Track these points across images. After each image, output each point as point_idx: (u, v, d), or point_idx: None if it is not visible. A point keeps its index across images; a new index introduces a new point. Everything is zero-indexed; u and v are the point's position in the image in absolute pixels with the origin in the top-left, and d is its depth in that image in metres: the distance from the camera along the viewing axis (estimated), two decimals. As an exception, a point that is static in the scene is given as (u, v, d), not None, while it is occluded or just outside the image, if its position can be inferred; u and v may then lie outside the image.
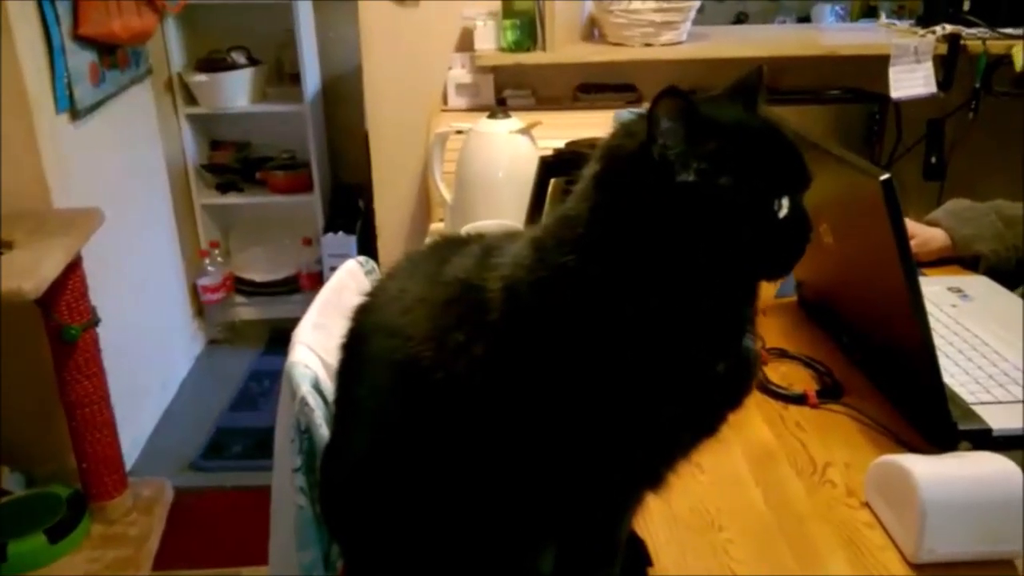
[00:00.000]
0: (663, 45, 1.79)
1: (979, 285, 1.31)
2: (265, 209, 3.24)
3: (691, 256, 0.58)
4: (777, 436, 0.97)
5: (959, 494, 0.76)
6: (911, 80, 1.68)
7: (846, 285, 1.13)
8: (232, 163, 3.20)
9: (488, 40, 1.83)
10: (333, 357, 1.15)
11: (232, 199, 3.15)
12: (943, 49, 1.71)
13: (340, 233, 3.12)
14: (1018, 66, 1.69)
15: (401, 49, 1.98)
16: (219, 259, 3.16)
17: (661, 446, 0.62)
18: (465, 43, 1.95)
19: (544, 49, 1.78)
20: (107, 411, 2.04)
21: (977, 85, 1.75)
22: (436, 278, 0.66)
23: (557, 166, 1.42)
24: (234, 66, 2.95)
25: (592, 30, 1.96)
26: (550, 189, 1.42)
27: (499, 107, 1.56)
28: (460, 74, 1.90)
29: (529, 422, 0.60)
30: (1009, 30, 1.77)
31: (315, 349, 1.11)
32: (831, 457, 0.94)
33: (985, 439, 0.93)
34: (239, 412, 2.75)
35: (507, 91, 1.91)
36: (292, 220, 3.28)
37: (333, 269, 3.44)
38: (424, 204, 2.08)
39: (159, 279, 2.87)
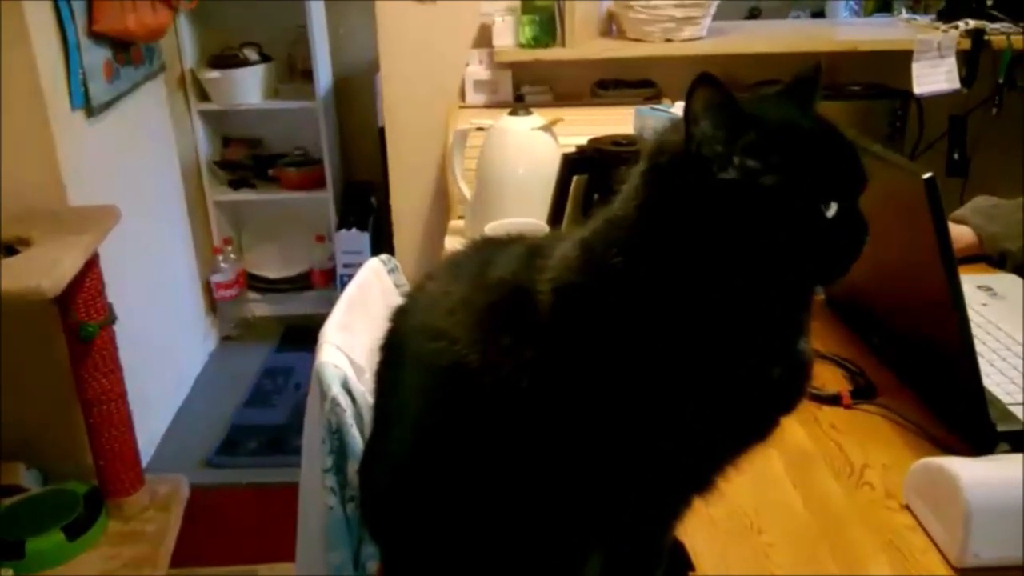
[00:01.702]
0: (683, 41, 1.77)
1: (1008, 283, 1.29)
2: (278, 206, 3.23)
3: (737, 258, 0.56)
4: (813, 438, 0.96)
5: (1005, 498, 0.75)
6: (934, 76, 1.66)
7: (880, 284, 1.12)
8: (245, 160, 3.19)
9: (506, 36, 1.81)
10: (360, 356, 1.15)
11: (245, 196, 3.15)
12: (966, 44, 1.70)
13: (353, 230, 3.12)
14: (1043, 61, 1.68)
15: (418, 45, 1.97)
16: (232, 256, 3.16)
17: (713, 451, 0.61)
18: (483, 39, 1.94)
19: (563, 45, 1.76)
20: (124, 408, 2.04)
21: (1001, 81, 1.73)
22: (480, 280, 0.65)
23: (580, 163, 1.41)
24: (246, 63, 2.95)
25: (610, 26, 1.95)
26: (573, 187, 1.41)
27: (520, 104, 1.54)
28: (478, 70, 1.89)
29: (578, 427, 0.59)
30: (1034, 25, 1.75)
31: (343, 349, 1.10)
32: (868, 459, 0.93)
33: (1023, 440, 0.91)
34: (253, 409, 2.75)
35: (525, 87, 1.90)
36: (305, 217, 3.27)
37: (346, 266, 3.45)
38: (442, 201, 2.07)
39: (172, 276, 2.87)
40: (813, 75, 0.61)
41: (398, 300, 1.37)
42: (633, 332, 0.58)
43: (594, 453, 0.59)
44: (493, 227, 1.31)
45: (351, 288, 1.26)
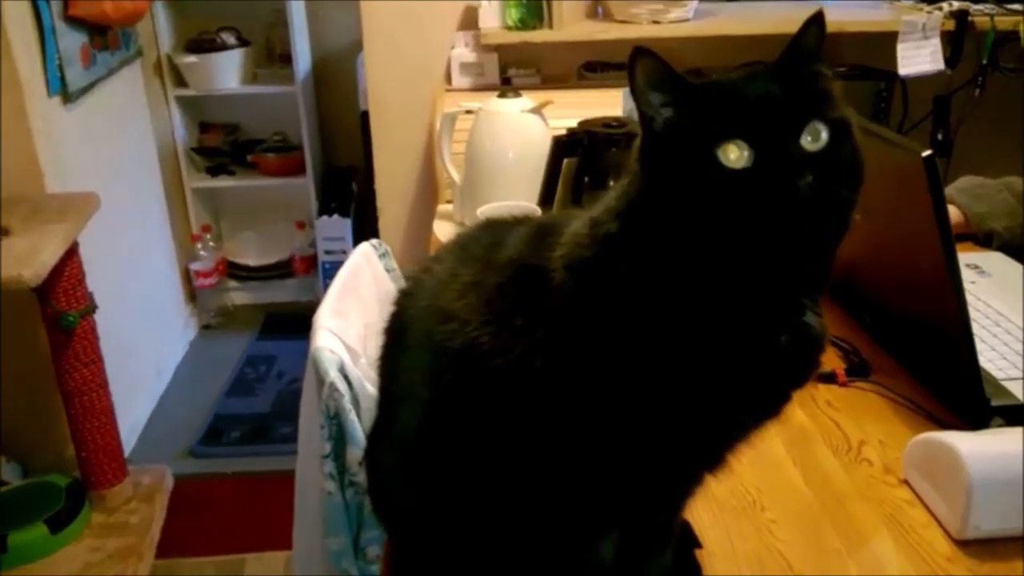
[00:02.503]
0: (670, 23, 1.77)
1: (996, 261, 1.31)
2: (257, 192, 3.19)
3: (687, 218, 0.57)
4: (810, 416, 0.97)
5: (1005, 471, 0.76)
6: (919, 57, 1.67)
7: (873, 262, 1.12)
8: (223, 146, 3.15)
9: (493, 18, 1.80)
10: (355, 341, 1.14)
11: (223, 182, 3.11)
12: (950, 25, 1.71)
13: (335, 216, 3.09)
14: (1025, 42, 1.70)
15: (402, 28, 1.95)
16: (211, 243, 3.12)
17: (725, 425, 0.61)
18: (468, 21, 1.92)
19: (551, 27, 1.75)
20: (106, 398, 2.01)
21: (984, 62, 1.75)
22: (490, 261, 0.64)
23: (571, 146, 1.40)
24: (224, 47, 2.90)
25: (596, 8, 1.94)
26: (563, 169, 1.41)
27: (509, 87, 1.53)
28: (463, 53, 1.88)
29: (592, 405, 0.59)
30: (1016, 6, 1.76)
31: (337, 334, 1.09)
32: (865, 435, 0.94)
33: (1018, 414, 0.93)
34: (235, 398, 2.72)
35: (512, 70, 1.89)
36: (284, 203, 3.24)
37: (328, 253, 3.41)
38: (429, 185, 2.05)
39: (151, 264, 2.83)
40: (806, 28, 0.61)
41: (389, 285, 1.37)
42: (639, 303, 0.58)
43: (607, 431, 0.59)
44: (485, 211, 1.30)
45: (343, 273, 1.25)
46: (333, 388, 0.96)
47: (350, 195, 3.23)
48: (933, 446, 0.82)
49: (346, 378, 1.00)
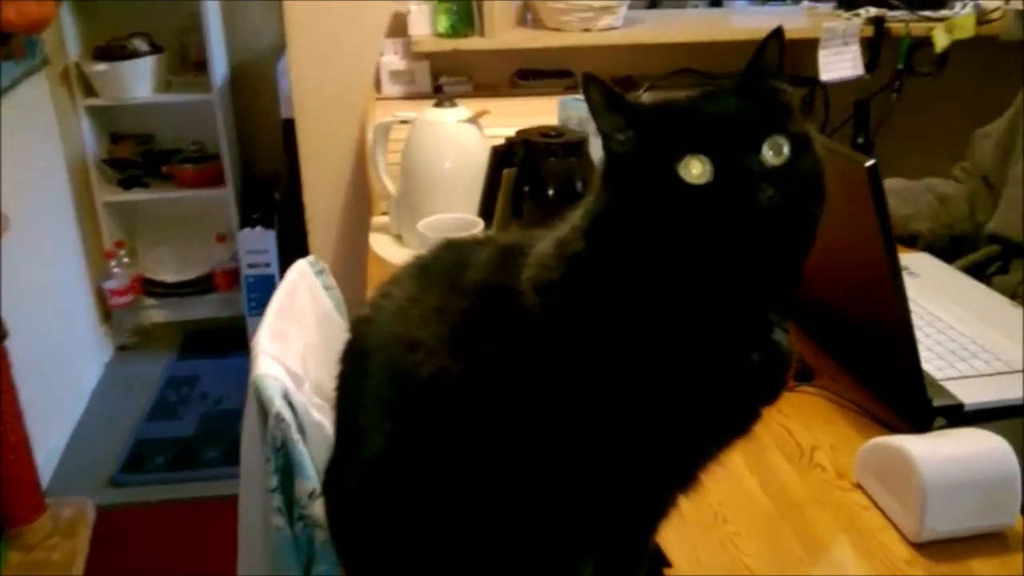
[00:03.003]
0: (600, 30, 1.78)
1: (923, 262, 1.36)
2: (173, 205, 3.07)
3: (646, 235, 0.57)
4: (762, 423, 0.97)
5: (957, 473, 0.78)
6: (839, 63, 1.73)
7: (814, 268, 1.15)
8: (135, 157, 3.02)
9: (423, 25, 1.77)
10: (296, 364, 1.09)
11: (137, 195, 2.98)
12: (868, 32, 1.77)
13: (257, 228, 2.99)
14: (938, 47, 1.77)
15: (328, 35, 1.90)
16: (125, 260, 2.98)
17: (698, 444, 0.61)
18: (397, 28, 1.89)
19: (483, 34, 1.73)
20: (20, 430, 1.89)
21: (900, 66, 1.82)
22: (454, 285, 0.62)
23: (509, 156, 1.38)
24: (135, 54, 2.78)
25: (525, 15, 1.93)
26: (503, 180, 1.39)
27: (445, 96, 1.51)
28: (393, 61, 1.84)
29: (567, 428, 0.58)
30: (928, 12, 1.84)
31: (278, 358, 1.04)
32: (816, 440, 0.95)
33: (957, 414, 0.96)
34: (157, 422, 2.61)
35: (443, 78, 1.86)
36: (203, 216, 3.13)
37: (251, 266, 3.32)
38: (361, 196, 2.01)
39: (61, 284, 2.68)
40: (766, 43, 0.61)
41: (328, 303, 1.33)
42: (609, 324, 0.57)
43: (584, 452, 0.58)
44: (427, 224, 1.27)
45: (279, 294, 1.20)
46: (279, 418, 0.92)
47: (273, 205, 3.13)
48: (885, 451, 0.84)
49: (291, 405, 0.96)
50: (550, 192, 1.37)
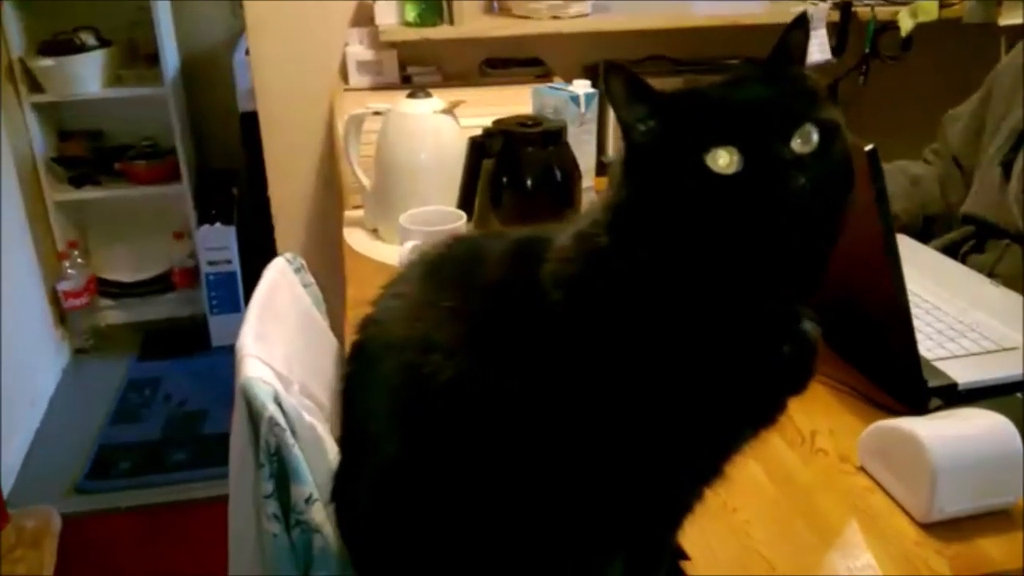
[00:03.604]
0: (570, 18, 1.76)
1: (901, 243, 1.34)
2: (127, 202, 2.98)
3: (675, 225, 0.56)
4: (761, 409, 0.98)
5: (964, 453, 0.78)
6: (808, 47, 1.73)
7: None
8: (86, 154, 2.92)
9: (389, 15, 1.73)
10: (281, 366, 1.06)
11: (89, 193, 2.88)
12: (835, 17, 1.78)
13: (217, 224, 2.93)
14: (903, 31, 1.79)
15: (291, 26, 1.85)
16: (79, 261, 2.89)
17: (728, 437, 0.60)
18: (362, 18, 1.84)
19: (451, 23, 1.70)
20: (-21, 441, 1.82)
21: (867, 50, 1.84)
22: (469, 285, 0.60)
23: (487, 147, 1.36)
24: (83, 48, 2.68)
25: (492, 3, 1.91)
26: (482, 171, 1.37)
27: (419, 87, 1.48)
28: (359, 51, 1.80)
29: (597, 424, 0.56)
30: (893, -3, 1.87)
31: (266, 360, 1.01)
32: (815, 425, 0.95)
33: (952, 394, 0.97)
34: (121, 426, 2.54)
35: (411, 68, 1.82)
36: (159, 213, 3.04)
37: (212, 264, 3.25)
38: (331, 190, 1.96)
39: (13, 287, 2.57)
40: (790, 30, 0.60)
41: (307, 301, 1.29)
42: (637, 318, 0.56)
43: (614, 448, 0.57)
44: (409, 217, 1.25)
45: (259, 294, 1.16)
46: (273, 423, 0.88)
47: (231, 201, 3.06)
48: (890, 434, 0.84)
49: (282, 409, 0.93)
50: (529, 182, 1.35)
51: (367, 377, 0.64)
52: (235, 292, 2.98)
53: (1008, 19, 1.76)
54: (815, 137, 0.56)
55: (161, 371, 2.84)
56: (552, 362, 0.56)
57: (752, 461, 0.89)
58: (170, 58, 2.82)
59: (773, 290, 0.57)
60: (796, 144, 0.55)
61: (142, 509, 2.19)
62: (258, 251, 2.91)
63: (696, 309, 0.56)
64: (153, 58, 2.79)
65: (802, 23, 0.60)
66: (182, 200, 2.95)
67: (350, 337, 1.19)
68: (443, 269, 0.63)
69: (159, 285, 3.10)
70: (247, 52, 2.27)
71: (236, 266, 2.97)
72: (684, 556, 0.74)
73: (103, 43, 2.76)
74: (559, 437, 0.56)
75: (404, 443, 0.60)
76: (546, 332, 0.56)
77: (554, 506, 0.57)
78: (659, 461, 0.58)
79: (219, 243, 2.93)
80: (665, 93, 0.58)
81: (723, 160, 0.54)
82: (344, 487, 0.69)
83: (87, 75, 2.70)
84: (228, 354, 2.99)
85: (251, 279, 3.22)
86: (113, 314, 3.06)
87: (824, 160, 0.55)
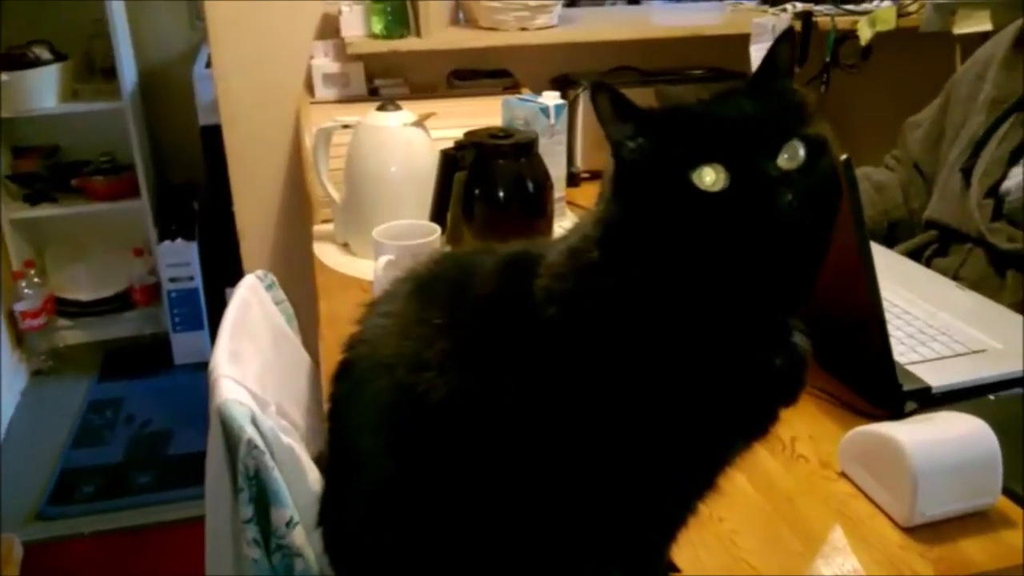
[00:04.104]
0: (537, 29, 1.77)
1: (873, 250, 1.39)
2: (85, 219, 2.93)
3: (676, 242, 0.56)
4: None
5: (944, 457, 0.80)
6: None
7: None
8: (41, 171, 2.85)
9: (356, 27, 1.72)
10: (255, 385, 1.04)
11: (45, 211, 2.82)
12: (796, 26, 1.81)
13: (178, 240, 2.88)
14: (863, 40, 1.83)
15: (255, 38, 1.83)
16: (36, 280, 2.82)
17: (722, 450, 0.60)
18: (327, 30, 1.83)
19: (419, 35, 1.70)
20: (-65, 469, 1.76)
21: (828, 59, 1.87)
22: (460, 301, 0.59)
23: (459, 159, 1.36)
24: (37, 62, 2.63)
25: (457, 14, 1.90)
26: (455, 184, 1.36)
27: (385, 99, 1.47)
28: (325, 63, 1.78)
29: (591, 438, 0.56)
30: (851, 7, 1.90)
31: (240, 381, 0.99)
32: (795, 431, 0.96)
33: (926, 397, 0.98)
34: (83, 449, 2.48)
35: (378, 80, 1.81)
36: (118, 229, 2.99)
37: (173, 280, 3.20)
38: (298, 204, 1.94)
39: (-32, 309, 2.52)
40: (777, 44, 0.60)
41: (280, 318, 1.28)
42: (630, 333, 0.56)
43: (611, 464, 0.56)
44: (382, 231, 1.24)
45: (231, 312, 1.14)
46: (251, 445, 0.87)
47: (192, 216, 3.01)
48: (870, 439, 0.85)
49: (259, 431, 0.91)
50: (502, 194, 1.35)
51: (356, 397, 0.63)
52: (198, 309, 2.93)
53: (963, 28, 1.80)
54: (802, 153, 0.56)
55: (123, 391, 2.78)
56: (547, 377, 0.56)
57: (735, 470, 0.90)
58: (128, 71, 2.77)
59: (763, 305, 0.58)
60: (783, 160, 0.56)
61: (107, 534, 2.14)
62: (221, 267, 2.87)
63: (688, 324, 0.56)
64: (110, 72, 2.74)
65: (789, 37, 0.61)
66: (142, 216, 2.91)
67: (329, 354, 1.19)
68: (433, 286, 0.63)
69: (119, 303, 3.05)
70: (207, 64, 2.25)
71: (198, 282, 2.92)
72: (676, 569, 0.74)
73: (58, 57, 2.71)
74: (555, 452, 0.56)
75: (397, 463, 0.59)
76: (541, 347, 0.56)
77: (550, 521, 0.57)
78: (655, 474, 0.58)
79: (181, 259, 2.89)
80: (652, 110, 0.58)
81: (709, 178, 0.55)
82: (333, 510, 0.68)
83: (42, 90, 2.65)
84: (192, 372, 2.98)
85: (214, 296, 3.18)
86: (72, 334, 3.00)
87: (811, 176, 0.56)
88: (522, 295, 0.58)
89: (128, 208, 2.88)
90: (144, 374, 2.88)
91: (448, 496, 0.57)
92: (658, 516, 0.61)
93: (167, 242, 2.87)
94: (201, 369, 3.20)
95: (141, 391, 2.78)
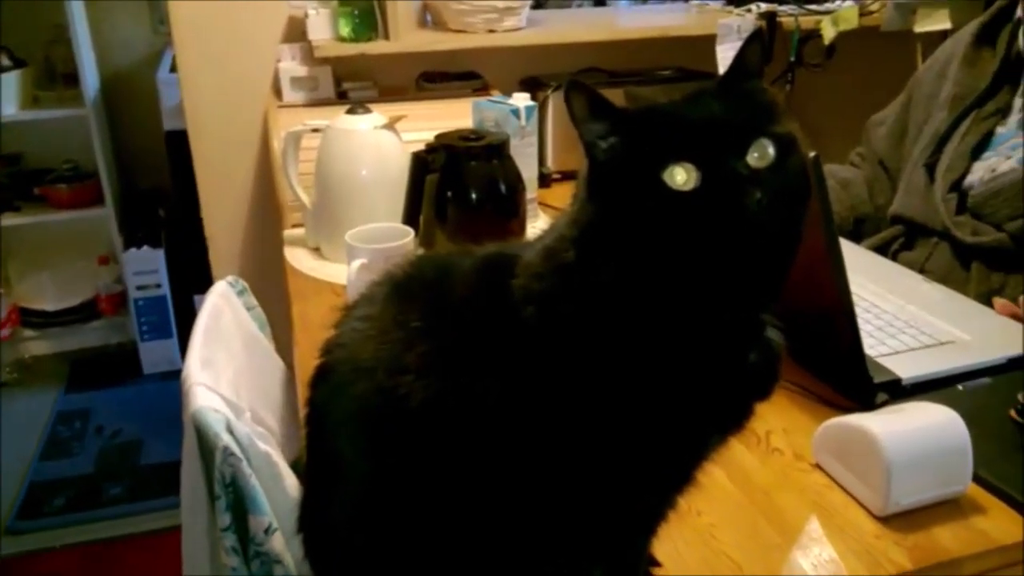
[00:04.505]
0: (506, 31, 1.77)
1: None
2: (49, 228, 2.88)
3: (649, 241, 0.56)
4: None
5: (916, 446, 0.81)
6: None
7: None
8: (3, 179, 2.80)
9: (323, 30, 1.71)
10: (229, 392, 1.03)
11: (8, 220, 2.77)
12: (762, 26, 1.83)
13: (144, 247, 2.85)
14: (826, 39, 1.85)
15: (220, 42, 1.81)
16: (0, 290, 2.76)
17: (700, 445, 0.61)
18: (293, 33, 1.81)
19: (387, 38, 1.69)
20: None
21: (792, 59, 1.89)
22: (438, 303, 0.59)
23: (431, 161, 1.35)
24: (-4, 69, 2.57)
25: (425, 17, 1.90)
26: (427, 186, 1.36)
27: (354, 102, 1.46)
28: (293, 66, 1.77)
29: (572, 436, 0.56)
30: (814, 6, 1.93)
31: (214, 388, 0.98)
32: (769, 425, 0.97)
33: (896, 388, 1.00)
34: (52, 461, 2.43)
35: (347, 83, 1.80)
36: (83, 238, 2.95)
37: (140, 288, 3.16)
38: (267, 209, 1.92)
39: (-72, 321, 2.46)
40: (748, 45, 0.61)
41: (252, 325, 1.26)
42: (607, 332, 0.57)
43: (589, 460, 0.57)
44: (355, 234, 1.23)
45: (202, 319, 1.13)
46: (228, 452, 0.86)
47: (159, 222, 2.98)
48: (843, 431, 0.86)
49: (235, 438, 0.90)
50: (474, 196, 1.35)
51: (335, 401, 0.62)
52: (166, 317, 2.89)
53: (923, 26, 1.84)
54: (771, 151, 0.56)
55: (91, 402, 2.74)
56: (527, 377, 0.56)
57: (713, 465, 0.91)
58: (90, 77, 2.73)
59: (737, 301, 0.58)
60: (752, 159, 0.56)
61: (79, 547, 2.11)
62: (189, 274, 2.84)
63: (663, 322, 0.56)
64: (72, 78, 2.70)
65: (758, 38, 0.61)
66: (107, 223, 2.87)
67: (303, 359, 1.18)
68: (410, 288, 0.62)
69: (85, 313, 3.01)
70: (172, 69, 2.22)
71: (166, 290, 2.89)
72: (657, 564, 0.75)
73: (17, 63, 2.66)
74: (536, 450, 0.56)
75: (378, 466, 0.59)
76: (520, 348, 0.56)
77: (533, 520, 0.57)
78: (635, 470, 0.58)
79: (147, 267, 2.85)
80: (625, 110, 0.58)
81: (680, 177, 0.55)
82: (313, 516, 0.67)
83: (2, 97, 2.60)
84: (161, 381, 2.93)
85: (182, 303, 3.13)
86: (37, 345, 2.95)
87: (780, 174, 0.56)
88: (500, 296, 0.58)
89: (93, 216, 2.84)
90: (112, 384, 2.84)
91: (429, 498, 0.57)
92: (639, 512, 0.61)
93: (133, 249, 2.83)
94: (170, 378, 3.18)
95: (110, 401, 2.74)
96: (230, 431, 0.91)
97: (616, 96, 1.65)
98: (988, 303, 1.20)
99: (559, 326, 0.56)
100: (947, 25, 1.83)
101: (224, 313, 1.20)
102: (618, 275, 0.56)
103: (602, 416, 0.56)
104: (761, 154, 0.56)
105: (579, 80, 0.57)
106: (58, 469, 2.39)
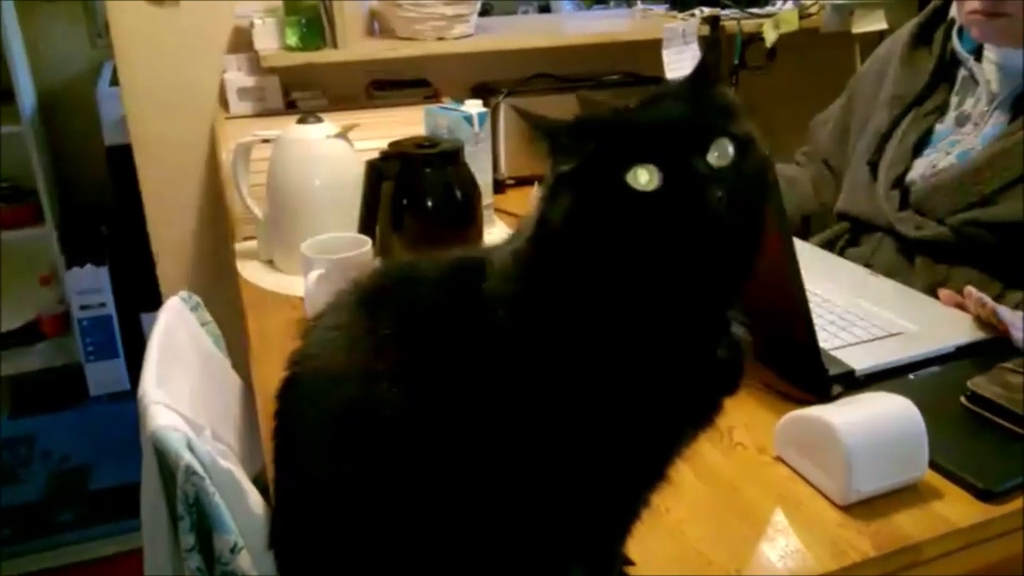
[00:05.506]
0: (455, 39, 1.77)
1: (788, 242, 1.44)
2: (-13, 250, 2.77)
3: (614, 243, 0.57)
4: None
5: (874, 435, 0.83)
6: (681, 61, 1.81)
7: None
8: (-64, 201, 2.70)
9: (269, 39, 1.68)
10: (187, 409, 1.01)
11: (-58, 242, 2.66)
12: (705, 30, 1.87)
13: (88, 266, 2.76)
14: (768, 42, 1.90)
15: (163, 54, 1.77)
16: (-65, 315, 2.66)
17: (672, 442, 0.62)
18: (239, 43, 1.79)
19: (335, 46, 1.68)
20: None
21: (736, 61, 1.93)
22: (407, 310, 0.59)
23: (386, 170, 1.35)
24: (-75, 85, 2.48)
25: (372, 25, 1.89)
26: (382, 195, 1.35)
27: (306, 112, 1.45)
28: (239, 77, 1.74)
29: (545, 437, 0.57)
30: (756, 10, 1.98)
31: (172, 406, 0.96)
32: (731, 421, 0.99)
33: (851, 380, 1.03)
34: (-3, 489, 2.35)
35: (295, 93, 1.78)
36: (22, 258, 2.86)
37: (84, 308, 3.06)
38: (216, 222, 1.88)
39: None
40: (709, 49, 0.62)
41: (207, 341, 1.24)
42: (579, 335, 0.57)
43: (562, 460, 0.57)
44: (311, 244, 1.22)
45: (156, 336, 1.11)
46: (190, 471, 0.84)
47: (102, 240, 2.90)
48: (803, 423, 0.88)
49: (196, 456, 0.88)
50: (430, 203, 1.35)
51: (305, 412, 0.62)
52: (112, 336, 2.82)
53: (860, 27, 1.89)
54: (731, 150, 0.58)
55: (36, 427, 2.65)
56: (500, 379, 0.56)
57: (681, 461, 0.92)
58: (26, 94, 2.66)
59: (703, 299, 0.59)
60: (712, 158, 0.57)
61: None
62: (135, 291, 2.77)
63: (634, 321, 0.57)
64: (7, 94, 2.62)
65: (716, 46, 0.63)
66: (47, 243, 2.78)
67: (262, 373, 1.16)
68: (379, 296, 0.62)
69: (27, 335, 2.92)
70: (113, 83, 2.17)
71: (111, 309, 2.81)
72: (630, 563, 0.75)
73: (-53, 80, 2.57)
74: (511, 452, 0.56)
75: (354, 475, 0.58)
76: (494, 350, 0.56)
77: (511, 523, 0.57)
78: (611, 468, 0.58)
79: (91, 285, 2.77)
80: (585, 117, 0.59)
81: (643, 178, 0.56)
82: (285, 530, 0.66)
83: (-68, 115, 2.51)
84: (109, 403, 2.86)
85: (128, 321, 3.04)
86: (-24, 369, 2.84)
87: (740, 172, 0.58)
88: (471, 299, 0.58)
89: (32, 235, 2.76)
90: (58, 407, 2.75)
91: (407, 505, 0.57)
92: (613, 509, 0.62)
93: (76, 268, 2.75)
94: (118, 399, 3.08)
95: (56, 425, 2.66)
96: (191, 450, 0.89)
97: (568, 101, 1.66)
98: (934, 295, 1.24)
99: (531, 328, 0.57)
100: (883, 26, 1.88)
101: (178, 330, 1.18)
102: (585, 276, 0.57)
103: (578, 416, 0.56)
104: (721, 153, 0.57)
105: (539, 121, 0.58)
106: (5, 497, 2.31)
